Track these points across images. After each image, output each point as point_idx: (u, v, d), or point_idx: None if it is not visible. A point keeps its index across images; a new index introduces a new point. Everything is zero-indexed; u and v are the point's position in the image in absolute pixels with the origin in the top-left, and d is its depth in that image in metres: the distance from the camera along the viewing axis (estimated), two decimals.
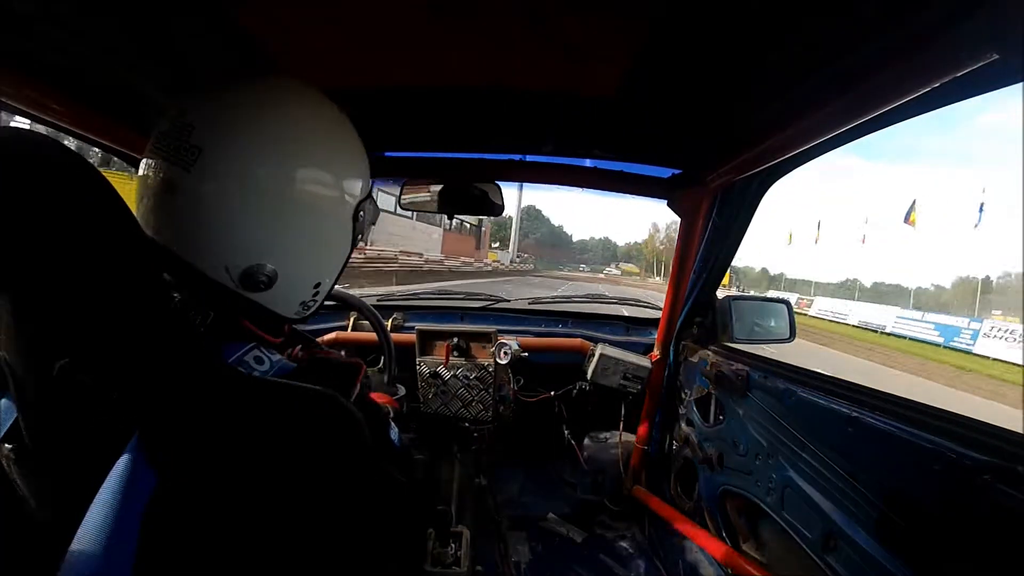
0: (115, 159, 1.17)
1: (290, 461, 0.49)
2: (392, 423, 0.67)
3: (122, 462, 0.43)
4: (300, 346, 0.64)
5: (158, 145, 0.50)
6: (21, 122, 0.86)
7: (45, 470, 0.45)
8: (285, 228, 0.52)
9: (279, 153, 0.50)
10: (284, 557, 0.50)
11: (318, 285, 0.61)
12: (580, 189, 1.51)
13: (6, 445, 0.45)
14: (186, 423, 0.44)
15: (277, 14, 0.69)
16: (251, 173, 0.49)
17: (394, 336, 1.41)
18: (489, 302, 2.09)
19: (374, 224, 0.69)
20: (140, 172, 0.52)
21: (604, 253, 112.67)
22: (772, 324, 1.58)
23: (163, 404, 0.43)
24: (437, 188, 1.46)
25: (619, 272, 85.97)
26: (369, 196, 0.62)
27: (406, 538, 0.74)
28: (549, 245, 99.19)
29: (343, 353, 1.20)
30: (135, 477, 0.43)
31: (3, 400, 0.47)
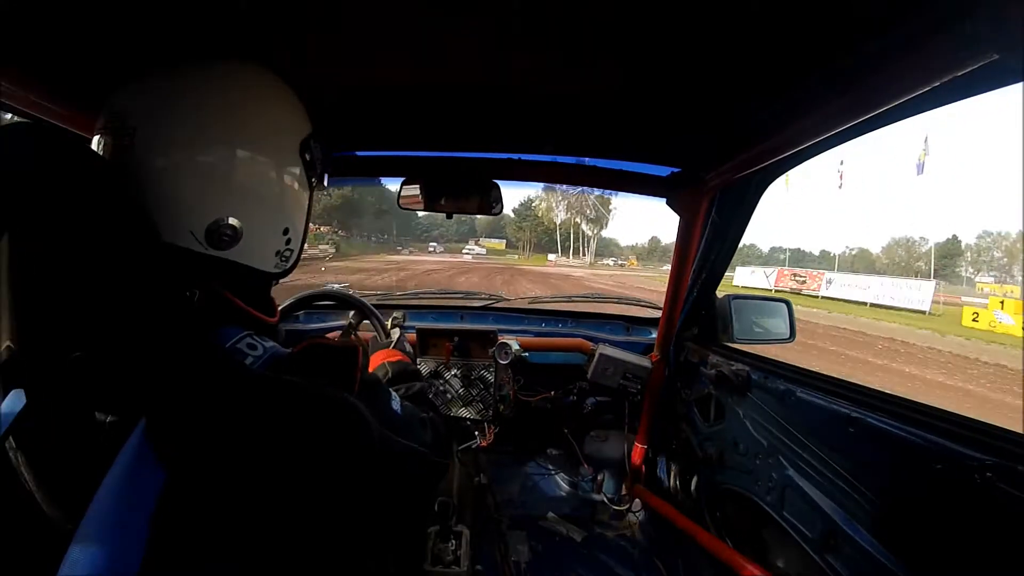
0: None
1: (296, 458, 0.49)
2: (392, 392, 0.65)
3: (127, 455, 0.43)
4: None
5: (101, 127, 0.54)
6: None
7: (51, 463, 0.45)
8: (234, 182, 0.56)
9: (205, 116, 0.54)
10: (290, 551, 0.50)
11: (287, 231, 0.63)
12: (580, 188, 1.51)
13: (11, 439, 0.45)
14: (192, 417, 0.44)
15: (277, 15, 0.69)
16: (184, 140, 0.52)
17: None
18: (489, 301, 2.09)
19: (329, 170, 0.72)
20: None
21: (460, 227, 79.20)
22: (772, 324, 1.57)
23: (168, 395, 0.44)
24: (436, 187, 1.46)
25: (483, 250, 66.08)
26: (311, 136, 0.64)
27: (407, 534, 0.73)
28: (372, 215, 63.83)
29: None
30: (141, 471, 0.43)
31: (6, 397, 0.47)
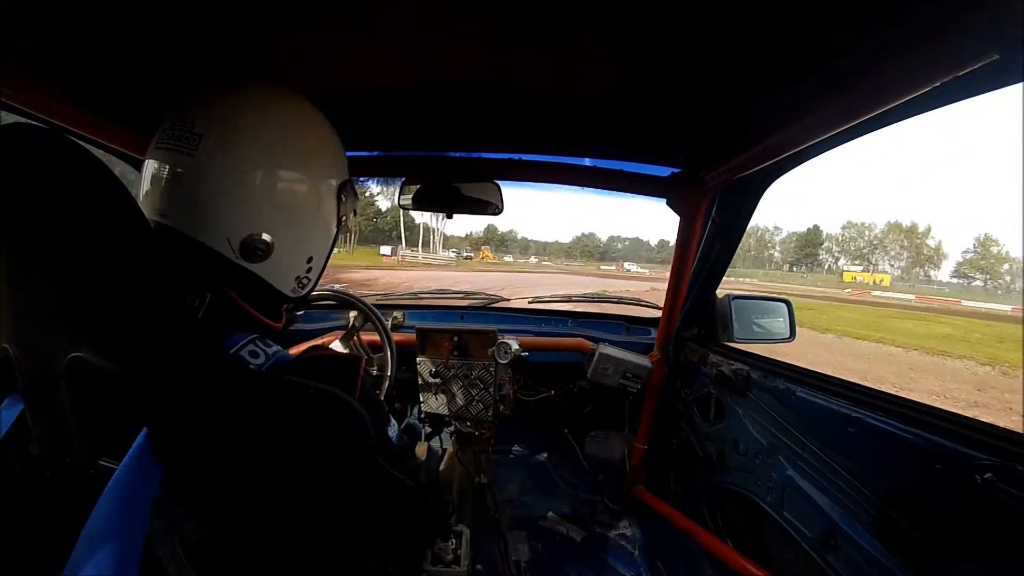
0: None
1: (297, 457, 0.49)
2: (392, 420, 0.67)
3: (130, 458, 0.43)
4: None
5: (163, 138, 0.57)
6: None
7: (52, 464, 0.45)
8: (277, 203, 0.60)
9: (268, 141, 0.59)
10: (290, 551, 0.50)
11: (310, 260, 0.67)
12: (580, 188, 1.51)
13: (12, 440, 0.45)
14: (193, 418, 0.44)
15: (277, 15, 0.69)
16: (244, 157, 0.57)
17: (395, 335, 1.42)
18: (489, 301, 2.09)
19: (356, 213, 0.77)
20: (146, 164, 0.58)
21: None
22: (772, 323, 1.57)
23: (169, 397, 0.44)
24: (436, 188, 1.46)
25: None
26: (349, 181, 0.71)
27: (407, 535, 0.74)
28: None
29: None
30: (144, 473, 0.43)
31: (5, 399, 0.47)
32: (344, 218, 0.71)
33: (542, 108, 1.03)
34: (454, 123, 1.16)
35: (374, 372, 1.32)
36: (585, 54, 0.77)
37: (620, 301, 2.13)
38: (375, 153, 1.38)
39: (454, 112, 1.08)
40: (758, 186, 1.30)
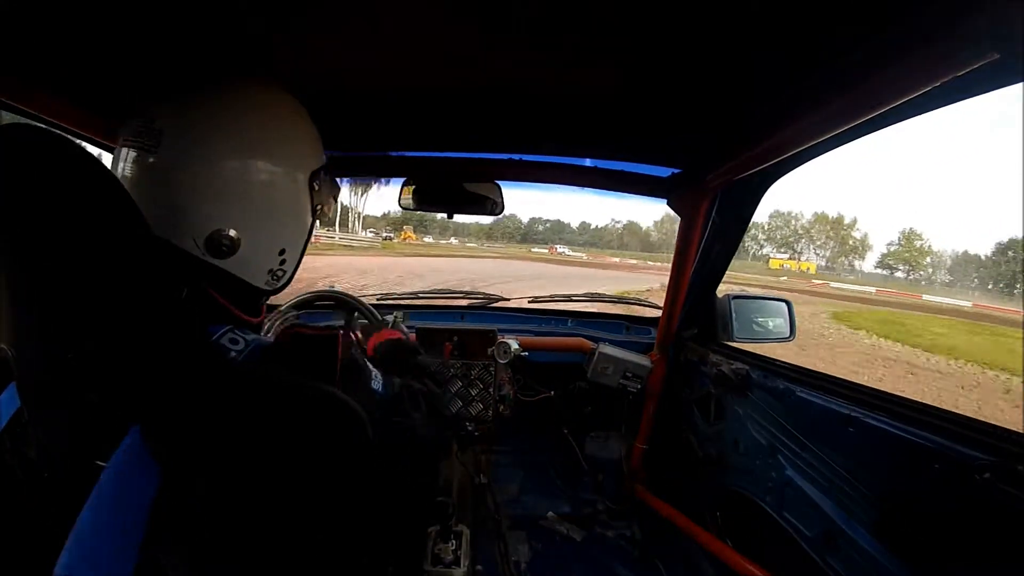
0: None
1: (296, 457, 0.49)
2: (375, 372, 0.65)
3: (122, 455, 0.43)
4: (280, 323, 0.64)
5: (127, 135, 0.57)
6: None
7: (46, 462, 0.45)
8: (242, 197, 0.58)
9: (230, 133, 0.57)
10: (288, 551, 0.50)
11: (283, 252, 0.65)
12: (580, 188, 1.51)
13: (9, 442, 0.45)
14: (183, 413, 0.44)
15: (277, 15, 0.69)
16: (206, 151, 0.55)
17: None
18: (489, 301, 2.09)
19: (336, 200, 0.76)
20: (113, 161, 0.58)
21: None
22: (772, 323, 1.57)
23: (160, 393, 0.44)
24: (437, 188, 1.46)
25: None
26: (322, 169, 0.68)
27: (406, 534, 0.74)
28: None
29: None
30: (136, 471, 0.43)
31: (3, 396, 0.47)
32: (320, 208, 0.69)
33: (542, 108, 1.03)
34: (454, 123, 1.16)
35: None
36: (585, 54, 0.77)
37: (620, 301, 2.13)
38: (375, 153, 1.38)
39: (454, 112, 1.08)
40: (758, 186, 1.30)
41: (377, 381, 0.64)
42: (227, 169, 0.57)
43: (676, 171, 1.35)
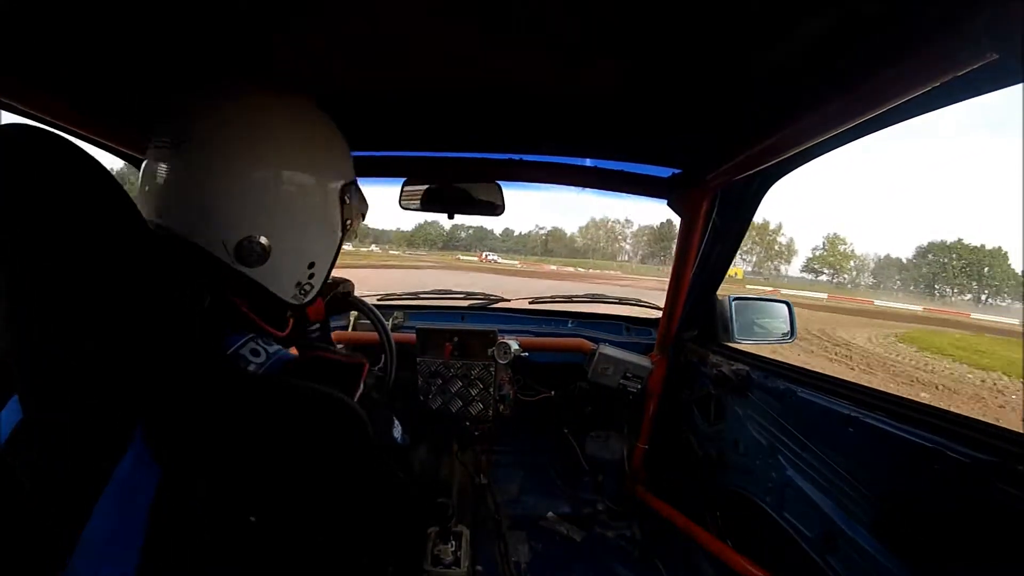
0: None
1: (297, 459, 0.49)
2: (396, 421, 0.67)
3: (127, 461, 0.43)
4: (302, 342, 0.65)
5: (158, 138, 0.56)
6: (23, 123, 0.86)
7: (51, 470, 0.45)
8: (274, 205, 0.58)
9: (267, 141, 0.57)
10: (289, 553, 0.50)
11: (312, 265, 0.64)
12: (580, 189, 1.51)
13: (12, 445, 0.45)
14: (190, 419, 0.44)
15: (278, 15, 0.69)
16: (238, 157, 0.55)
17: (395, 335, 1.42)
18: (489, 301, 2.10)
19: (364, 217, 0.76)
20: (144, 164, 0.58)
21: None
22: (773, 324, 1.58)
23: (165, 398, 0.44)
24: (437, 188, 1.46)
25: None
26: (353, 183, 0.68)
27: (406, 535, 0.74)
28: None
29: (342, 348, 1.19)
30: (140, 472, 0.43)
31: (8, 401, 0.47)
32: (349, 222, 0.69)
33: (542, 108, 1.03)
34: (454, 123, 1.16)
35: (376, 371, 1.33)
36: (585, 54, 0.77)
37: (620, 301, 2.13)
38: (375, 154, 1.38)
39: (454, 112, 1.08)
40: (759, 187, 1.30)
41: (398, 430, 0.66)
42: (260, 177, 0.56)
43: (676, 171, 1.35)
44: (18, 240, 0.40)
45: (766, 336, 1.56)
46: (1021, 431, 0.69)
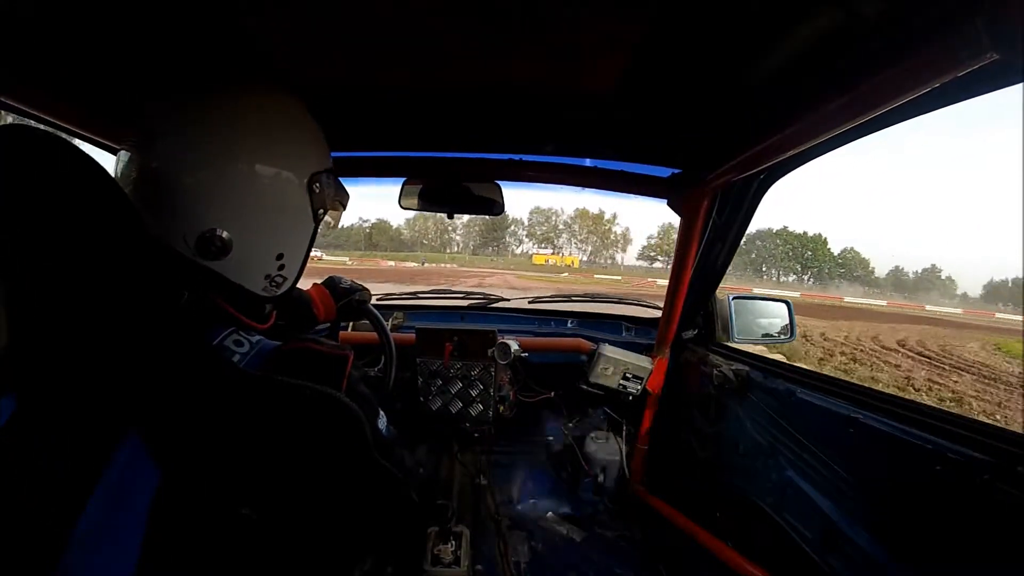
0: None
1: (288, 455, 0.49)
2: (381, 412, 0.65)
3: (122, 458, 0.43)
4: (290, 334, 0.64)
5: (127, 136, 0.58)
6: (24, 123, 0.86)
7: (45, 467, 0.45)
8: (234, 197, 0.57)
9: (220, 134, 0.56)
10: (286, 553, 0.50)
11: (281, 257, 0.63)
12: (580, 189, 1.51)
13: (6, 442, 0.45)
14: (180, 413, 0.44)
15: (277, 16, 0.69)
16: (196, 150, 0.55)
17: (395, 336, 1.42)
18: (489, 301, 2.10)
19: (344, 206, 0.75)
20: (115, 164, 0.58)
21: None
22: (773, 324, 1.57)
23: (155, 392, 0.44)
24: (437, 188, 1.46)
25: None
26: (325, 171, 0.66)
27: (405, 533, 0.74)
28: None
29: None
30: (136, 473, 0.43)
31: (2, 400, 0.47)
32: (322, 211, 0.67)
33: (542, 108, 1.03)
34: (454, 123, 1.16)
35: (372, 373, 1.32)
36: (585, 54, 0.77)
37: (620, 301, 2.13)
38: (375, 153, 1.38)
39: (454, 112, 1.08)
40: (759, 187, 1.30)
41: (382, 421, 0.64)
42: (217, 168, 0.56)
43: (676, 171, 1.35)
44: (18, 240, 0.40)
45: (766, 336, 1.56)
46: (1021, 431, 0.69)
